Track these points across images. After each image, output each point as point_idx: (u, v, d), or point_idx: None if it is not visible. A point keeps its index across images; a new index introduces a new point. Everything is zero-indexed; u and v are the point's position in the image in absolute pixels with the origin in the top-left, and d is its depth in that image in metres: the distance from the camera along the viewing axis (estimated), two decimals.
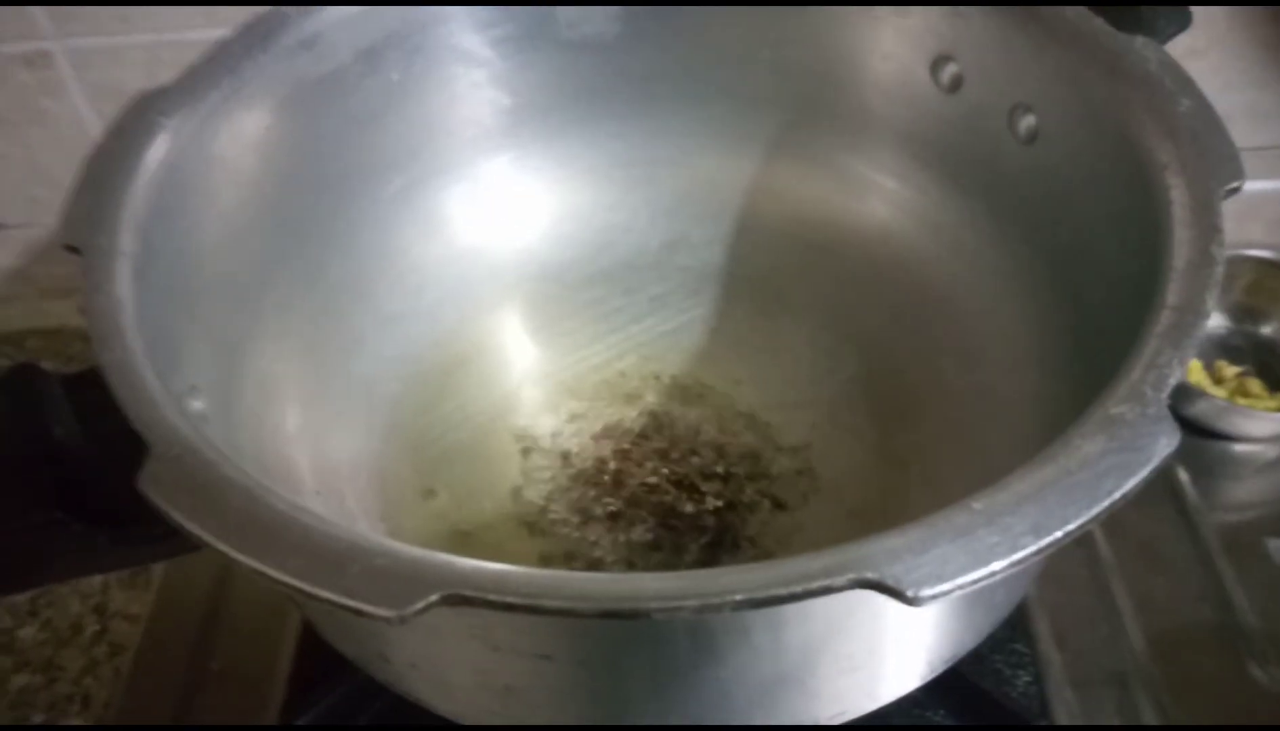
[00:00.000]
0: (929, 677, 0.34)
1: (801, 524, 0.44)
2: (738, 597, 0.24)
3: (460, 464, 0.47)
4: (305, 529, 0.26)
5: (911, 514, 0.42)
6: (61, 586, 0.55)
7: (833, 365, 0.49)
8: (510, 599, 0.24)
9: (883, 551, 0.24)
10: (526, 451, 0.48)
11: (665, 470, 0.47)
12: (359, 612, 0.24)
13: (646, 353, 0.51)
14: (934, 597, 0.24)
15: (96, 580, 0.55)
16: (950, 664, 0.34)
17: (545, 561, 0.44)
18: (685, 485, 0.46)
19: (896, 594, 0.24)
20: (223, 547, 0.26)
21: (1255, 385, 0.54)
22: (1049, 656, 0.45)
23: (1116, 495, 0.25)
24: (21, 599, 0.55)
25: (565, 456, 0.48)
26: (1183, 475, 0.51)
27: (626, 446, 0.48)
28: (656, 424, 0.49)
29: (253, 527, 0.26)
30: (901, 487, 0.44)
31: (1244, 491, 0.51)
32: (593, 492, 0.47)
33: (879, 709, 0.34)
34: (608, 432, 0.49)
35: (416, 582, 0.24)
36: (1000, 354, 0.44)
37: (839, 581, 0.24)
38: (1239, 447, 0.53)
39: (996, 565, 0.24)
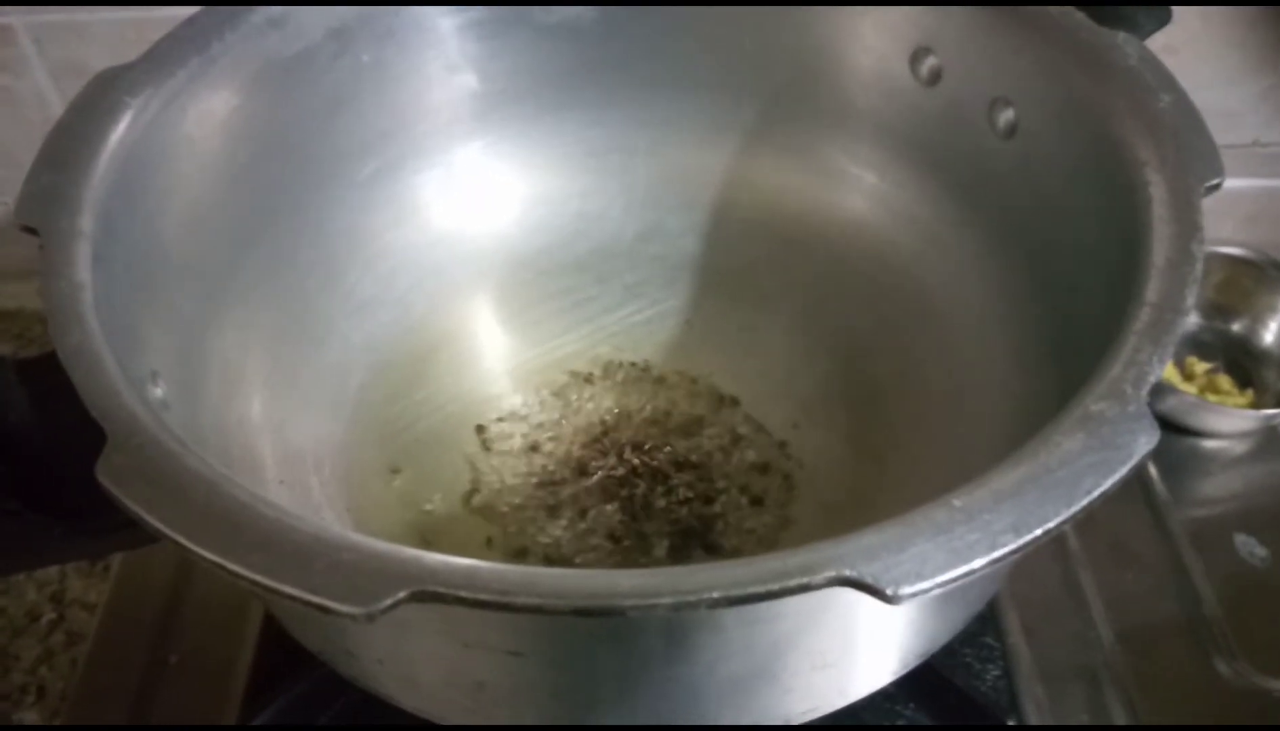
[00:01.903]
0: (901, 673, 0.34)
1: (774, 517, 0.44)
2: (714, 595, 0.23)
3: (428, 453, 0.47)
4: (269, 522, 0.25)
5: (886, 508, 0.43)
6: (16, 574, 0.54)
7: (808, 358, 0.48)
8: (481, 595, 0.24)
9: (861, 549, 0.24)
10: (495, 440, 0.48)
11: (636, 461, 0.47)
12: (325, 610, 0.23)
13: (619, 342, 0.51)
14: (913, 595, 0.23)
15: (54, 568, 0.54)
16: (923, 659, 0.34)
17: (513, 553, 0.44)
18: (656, 476, 0.46)
19: (875, 592, 0.23)
20: (182, 541, 0.25)
21: (1225, 382, 0.55)
22: (1018, 651, 0.45)
23: (1096, 493, 0.25)
24: None
25: (535, 446, 0.47)
26: (1152, 471, 0.51)
27: (597, 437, 0.48)
28: (627, 414, 0.48)
29: (214, 520, 0.25)
30: (876, 482, 0.44)
31: (1213, 487, 0.52)
32: (561, 483, 0.46)
33: (850, 705, 0.34)
34: (578, 423, 0.48)
35: (384, 579, 0.24)
36: (977, 349, 0.44)
37: (817, 579, 0.24)
38: (1208, 444, 0.53)
39: (976, 563, 0.24)
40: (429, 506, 0.45)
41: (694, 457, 0.46)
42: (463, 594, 0.24)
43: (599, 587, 0.24)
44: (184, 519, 0.25)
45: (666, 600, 0.23)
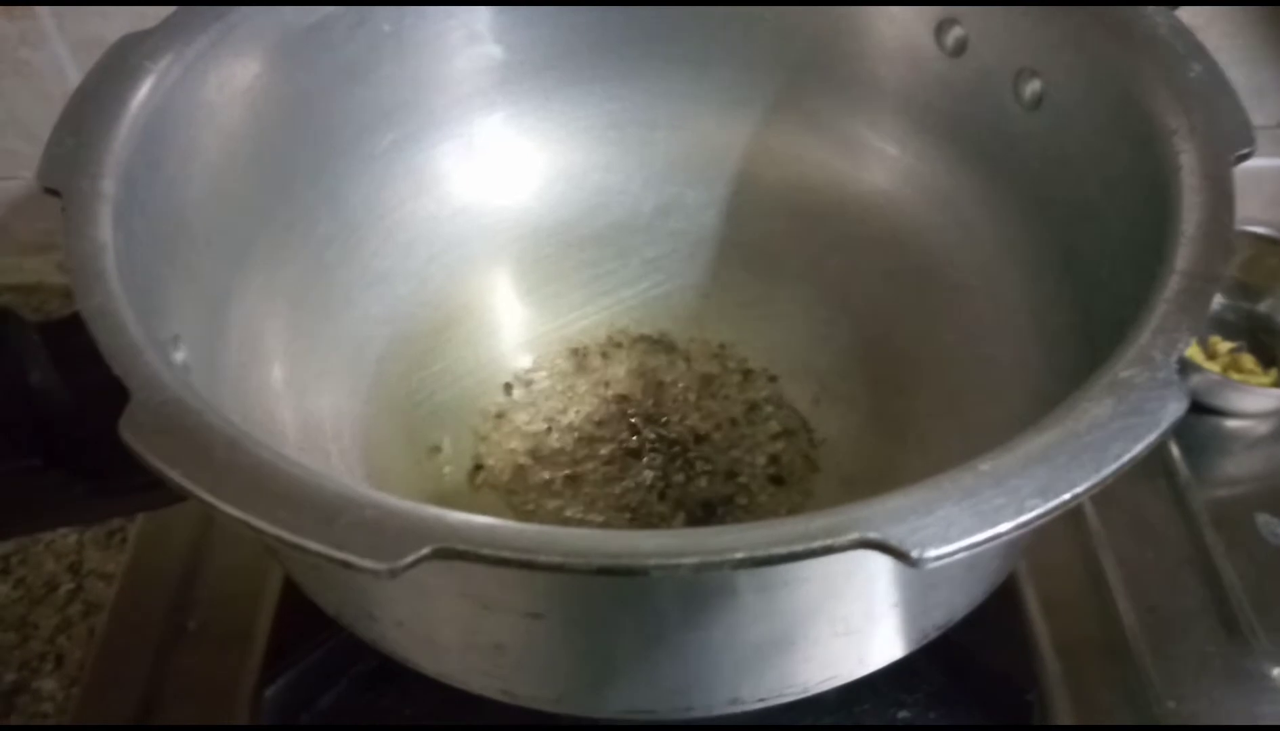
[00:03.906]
0: (921, 644, 0.34)
1: (794, 489, 0.44)
2: (738, 555, 0.23)
3: (446, 424, 0.47)
4: (292, 479, 0.25)
5: (907, 482, 0.43)
6: (35, 544, 0.54)
7: (828, 332, 0.48)
8: (503, 553, 0.24)
9: (886, 511, 0.24)
10: (512, 413, 0.47)
11: (653, 435, 0.47)
12: (347, 565, 0.23)
13: (638, 316, 0.51)
14: (938, 559, 0.23)
15: (71, 539, 0.54)
16: (943, 630, 0.34)
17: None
18: (674, 450, 0.46)
19: (900, 555, 0.23)
20: (206, 497, 0.25)
21: (1248, 361, 0.54)
22: (1037, 625, 0.45)
23: (1125, 458, 0.25)
24: None
25: (552, 419, 0.47)
26: (1174, 449, 0.51)
27: (614, 410, 0.48)
28: (646, 388, 0.48)
29: (237, 477, 0.25)
30: (897, 456, 0.44)
31: (1235, 466, 0.51)
32: (578, 456, 0.46)
33: (868, 675, 0.34)
34: (596, 396, 0.48)
35: (407, 535, 0.24)
36: (999, 323, 0.44)
37: (841, 541, 0.23)
38: (1231, 423, 0.53)
39: (1003, 527, 0.23)
40: (445, 477, 0.45)
41: (713, 431, 0.46)
42: (485, 551, 0.24)
43: (622, 547, 0.24)
44: (207, 475, 0.25)
45: (690, 560, 0.23)
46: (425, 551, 0.23)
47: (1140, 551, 0.48)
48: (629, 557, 0.24)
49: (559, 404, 0.48)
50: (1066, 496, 0.24)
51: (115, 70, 0.36)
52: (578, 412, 0.48)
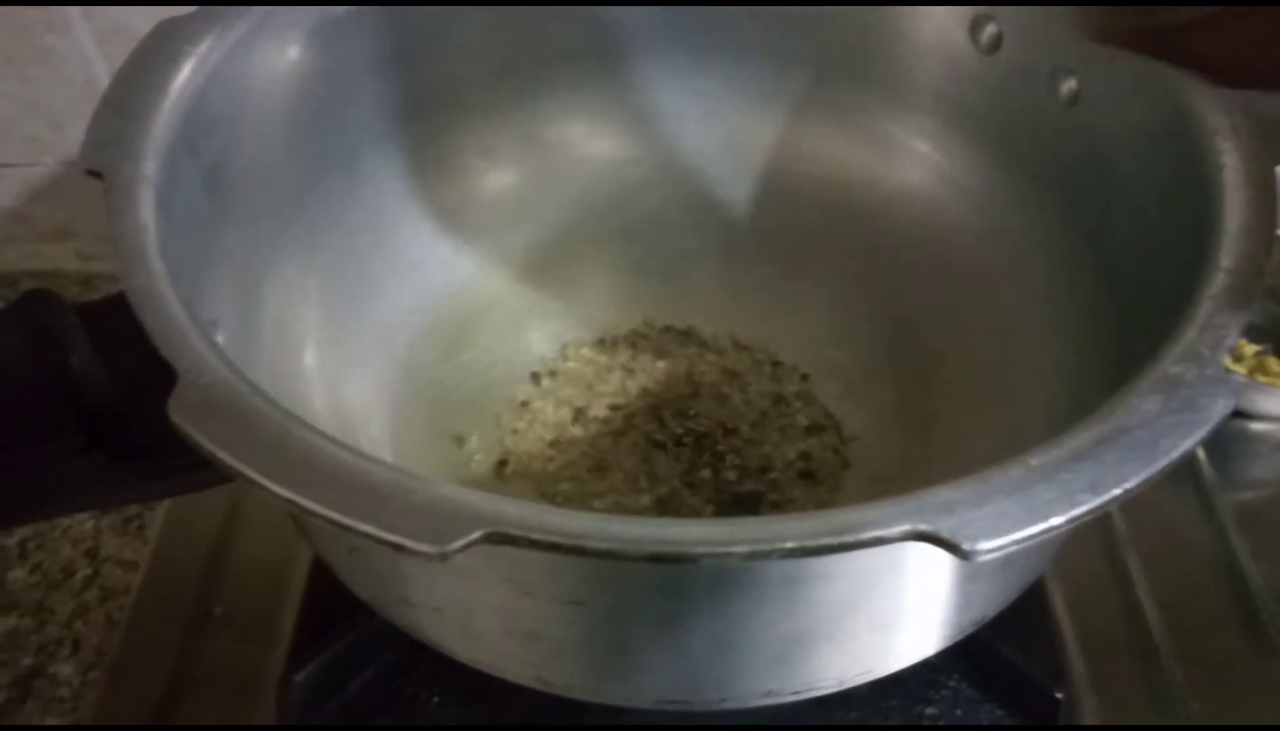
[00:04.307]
0: (955, 639, 0.34)
1: (824, 486, 0.44)
2: (789, 544, 0.23)
3: (473, 415, 0.47)
4: (342, 462, 0.25)
5: (936, 481, 0.43)
6: (52, 530, 0.54)
7: (856, 329, 0.48)
8: (554, 538, 0.24)
9: (937, 503, 0.24)
10: (539, 404, 0.48)
11: (680, 428, 0.47)
12: (400, 548, 0.23)
13: (666, 310, 0.51)
14: (989, 552, 0.23)
15: (89, 524, 0.54)
16: (977, 625, 0.34)
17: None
18: (703, 443, 0.46)
19: (951, 547, 0.23)
20: (257, 478, 0.25)
21: (1274, 364, 0.54)
22: (1063, 625, 0.45)
23: (1175, 454, 0.25)
24: (11, 541, 0.54)
25: (579, 410, 0.47)
26: (1200, 451, 0.51)
27: (642, 404, 0.48)
28: (673, 380, 0.48)
29: (287, 459, 0.25)
30: (925, 454, 0.44)
31: (1261, 469, 0.51)
32: (605, 448, 0.46)
33: (897, 671, 0.34)
34: (622, 388, 0.48)
35: (458, 520, 0.24)
36: (1029, 323, 0.44)
37: (893, 532, 0.23)
38: (1256, 426, 0.53)
39: (1055, 521, 0.23)
40: (473, 467, 0.45)
41: (741, 426, 0.46)
42: (535, 536, 0.24)
43: (672, 534, 0.24)
44: (257, 457, 0.25)
45: (741, 548, 0.23)
46: (476, 535, 0.23)
47: (1166, 553, 0.48)
48: (680, 545, 0.23)
49: (586, 394, 0.48)
50: (1117, 491, 0.24)
51: (156, 53, 0.36)
52: (605, 403, 0.48)
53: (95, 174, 0.33)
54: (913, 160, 0.48)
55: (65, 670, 0.51)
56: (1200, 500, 0.50)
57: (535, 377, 0.48)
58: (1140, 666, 0.44)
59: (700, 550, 0.23)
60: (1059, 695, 0.41)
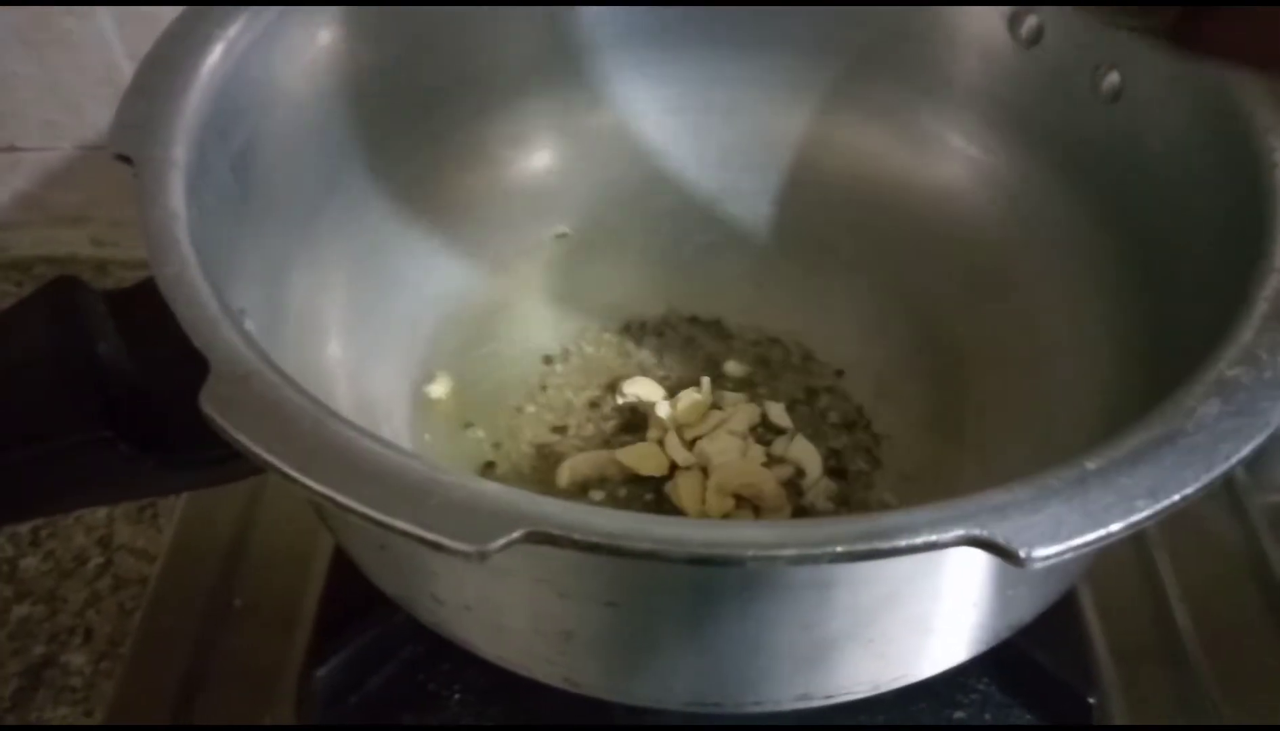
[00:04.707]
0: (991, 645, 0.33)
1: (856, 483, 0.43)
2: (838, 548, 0.23)
3: (494, 407, 0.46)
4: (379, 457, 0.25)
5: (966, 478, 0.42)
6: (65, 518, 0.54)
7: (886, 326, 0.47)
8: (595, 539, 0.23)
9: (991, 507, 0.23)
10: (562, 395, 0.47)
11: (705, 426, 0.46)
12: (439, 547, 0.23)
13: (690, 304, 0.50)
14: (1046, 559, 0.22)
15: (101, 512, 0.54)
16: (1014, 631, 0.33)
17: None
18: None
19: (1007, 554, 0.22)
20: (291, 473, 0.24)
21: None
22: (1094, 630, 0.44)
23: (1234, 459, 0.24)
24: (23, 529, 0.54)
25: (600, 402, 0.47)
26: None
27: (667, 394, 0.47)
28: (699, 376, 0.47)
29: (323, 453, 0.25)
30: (955, 456, 0.43)
31: None
32: (630, 441, 0.45)
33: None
34: (649, 377, 0.47)
35: (498, 519, 0.23)
36: (1063, 324, 0.43)
37: (946, 537, 0.23)
38: None
39: (1114, 527, 0.23)
40: (494, 461, 0.45)
41: (769, 420, 0.45)
42: (577, 536, 0.23)
43: (717, 537, 0.23)
44: (292, 451, 0.25)
45: (789, 552, 0.23)
46: (517, 535, 0.23)
47: (1198, 558, 0.47)
48: (725, 547, 0.23)
49: (608, 388, 0.47)
50: (1176, 497, 0.24)
51: (185, 38, 0.36)
52: (628, 396, 0.47)
53: (124, 159, 0.32)
54: (947, 155, 0.48)
55: (77, 659, 0.50)
56: (1232, 503, 0.49)
57: (556, 371, 0.48)
58: (1171, 670, 0.44)
59: (747, 553, 0.23)
60: (1090, 699, 0.40)
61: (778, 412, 0.45)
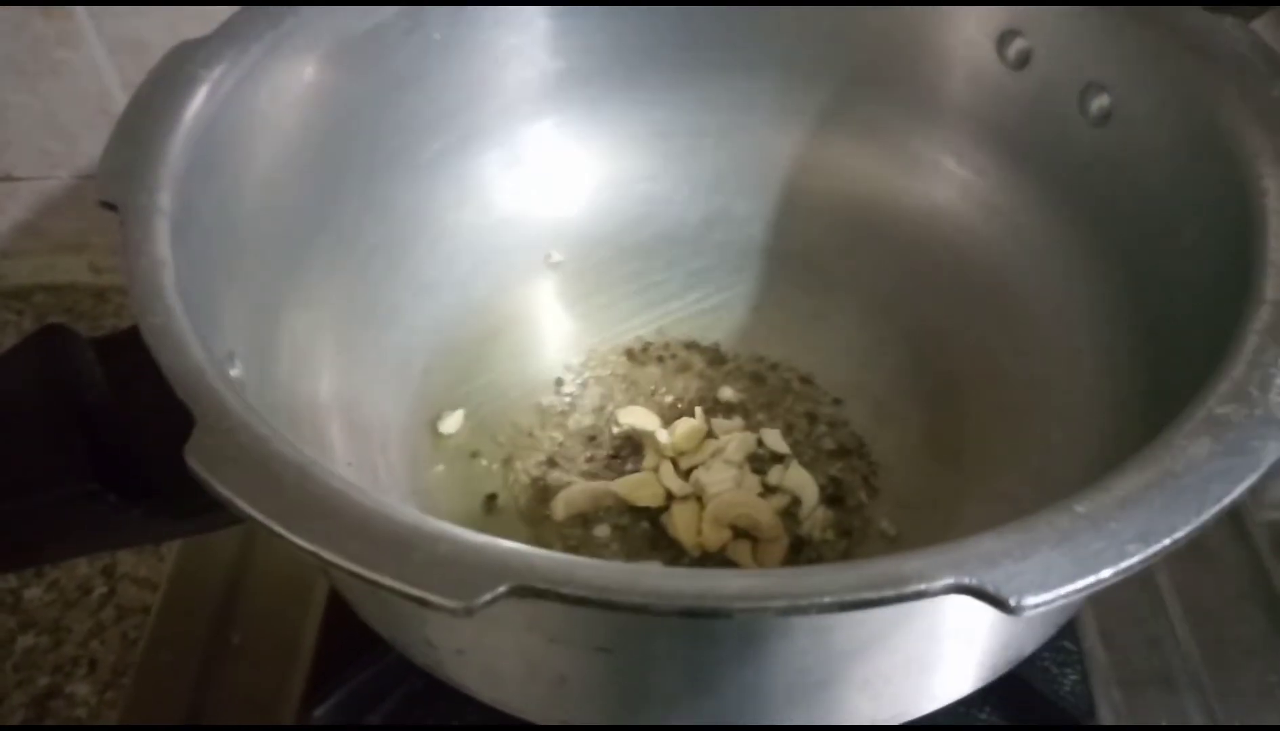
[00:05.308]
0: (991, 679, 0.33)
1: (854, 514, 0.43)
2: (827, 599, 0.22)
3: (490, 438, 0.46)
4: (363, 511, 0.25)
5: (964, 506, 0.42)
6: None
7: (881, 349, 0.47)
8: (582, 593, 0.23)
9: (980, 555, 0.23)
10: (557, 426, 0.47)
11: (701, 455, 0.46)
12: (424, 603, 0.23)
13: (685, 330, 0.50)
14: (1037, 607, 0.22)
15: None
16: (1013, 665, 0.33)
17: (575, 543, 0.43)
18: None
19: (997, 602, 0.22)
20: (276, 528, 0.24)
21: None
22: (1096, 655, 0.44)
23: (1226, 501, 0.24)
24: None
25: (596, 432, 0.46)
26: None
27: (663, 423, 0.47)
28: (692, 404, 0.47)
29: (308, 507, 0.25)
30: (953, 480, 0.43)
31: None
32: (625, 470, 0.45)
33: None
34: (648, 405, 0.47)
35: (483, 572, 0.23)
36: (1058, 345, 0.43)
37: (935, 586, 0.23)
38: None
39: (1104, 573, 0.23)
40: (491, 490, 0.44)
41: (763, 452, 0.45)
42: (564, 590, 0.23)
43: (705, 588, 0.23)
44: (277, 504, 0.24)
45: (777, 603, 0.23)
46: (502, 589, 0.23)
47: (1199, 578, 0.47)
48: (713, 600, 0.23)
49: (604, 417, 0.47)
50: (1167, 542, 0.23)
51: (170, 79, 0.36)
52: (624, 425, 0.47)
53: (110, 206, 0.32)
54: (939, 177, 0.47)
55: (82, 689, 0.50)
56: (1233, 522, 0.49)
57: (551, 401, 0.47)
58: (1175, 696, 0.43)
59: (736, 605, 0.23)
60: (1093, 726, 0.40)
61: (774, 439, 0.45)
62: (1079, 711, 0.40)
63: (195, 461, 0.25)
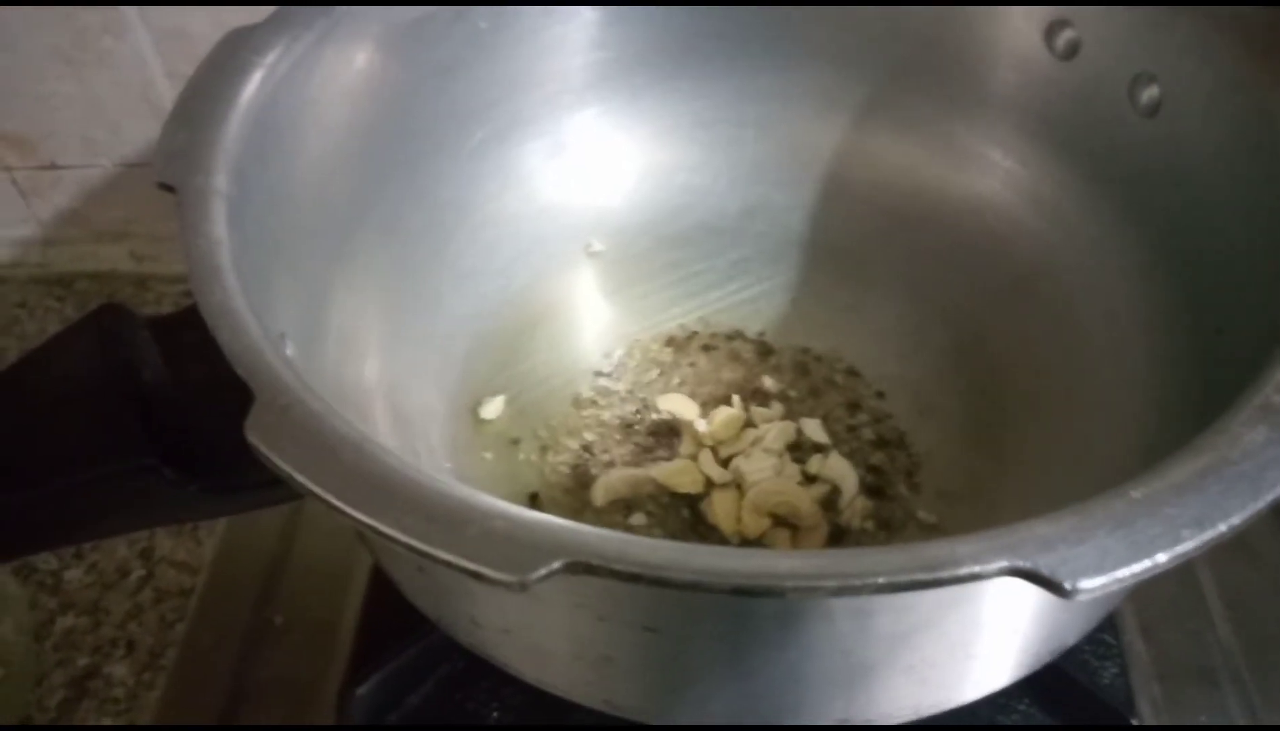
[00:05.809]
0: (1034, 669, 0.33)
1: (895, 504, 0.43)
2: (880, 580, 0.22)
3: (530, 425, 0.46)
4: (419, 486, 0.25)
5: (1003, 498, 0.42)
6: None
7: (922, 340, 0.47)
8: (636, 569, 0.23)
9: (1036, 538, 0.23)
10: (597, 414, 0.47)
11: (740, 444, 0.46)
12: (479, 577, 0.23)
13: (725, 318, 0.50)
14: (1092, 592, 0.22)
15: None
16: (1056, 655, 0.33)
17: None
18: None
19: (1052, 585, 0.22)
20: (334, 502, 0.24)
21: None
22: (1136, 649, 0.44)
23: None
24: None
25: (635, 421, 0.47)
26: None
27: (703, 411, 0.47)
28: (731, 393, 0.47)
29: (365, 482, 0.25)
30: (993, 470, 0.43)
31: None
32: (662, 458, 0.45)
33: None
34: (689, 394, 0.47)
35: (538, 548, 0.23)
36: (1102, 338, 0.42)
37: (989, 569, 0.23)
38: None
39: (1160, 558, 0.23)
40: (531, 477, 0.45)
41: (806, 436, 0.45)
42: (617, 567, 0.23)
43: (758, 567, 0.23)
44: (335, 479, 0.25)
45: (830, 583, 0.23)
46: (557, 565, 0.23)
47: (1240, 572, 0.46)
48: (766, 578, 0.23)
49: (644, 405, 0.47)
50: (1223, 527, 0.23)
51: (224, 65, 0.36)
52: (663, 413, 0.47)
53: (168, 187, 0.32)
54: (984, 168, 0.47)
55: (120, 670, 0.51)
56: (1273, 515, 0.48)
57: (591, 389, 0.48)
58: (1215, 689, 0.43)
59: (788, 584, 0.23)
60: (1133, 720, 0.40)
61: (814, 428, 0.45)
62: (1118, 704, 0.40)
63: (255, 437, 0.26)
